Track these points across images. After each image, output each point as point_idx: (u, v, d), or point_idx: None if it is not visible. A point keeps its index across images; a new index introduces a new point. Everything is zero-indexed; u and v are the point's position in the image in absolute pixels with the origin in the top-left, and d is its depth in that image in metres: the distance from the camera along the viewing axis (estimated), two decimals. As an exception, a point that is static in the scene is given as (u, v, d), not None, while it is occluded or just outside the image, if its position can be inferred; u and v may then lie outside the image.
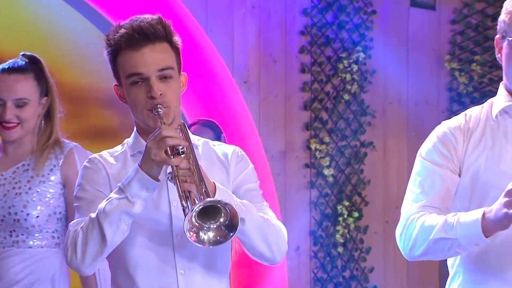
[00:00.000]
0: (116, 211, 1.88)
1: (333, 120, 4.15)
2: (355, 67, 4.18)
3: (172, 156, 1.86)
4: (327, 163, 4.11)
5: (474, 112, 2.11)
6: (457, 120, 2.10)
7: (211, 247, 1.85)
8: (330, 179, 4.12)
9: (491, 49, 4.25)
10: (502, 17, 2.06)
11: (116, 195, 1.90)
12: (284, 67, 4.07)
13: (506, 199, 1.83)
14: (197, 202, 1.82)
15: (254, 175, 2.10)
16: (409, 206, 2.07)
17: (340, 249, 4.13)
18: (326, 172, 4.10)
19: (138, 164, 1.91)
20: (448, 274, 2.14)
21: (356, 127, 4.21)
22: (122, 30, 1.95)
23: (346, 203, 4.14)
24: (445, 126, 2.10)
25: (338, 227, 4.12)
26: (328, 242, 4.12)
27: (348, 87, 4.18)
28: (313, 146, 4.09)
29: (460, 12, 4.40)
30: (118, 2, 3.64)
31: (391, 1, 4.32)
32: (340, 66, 4.16)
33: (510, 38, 2.00)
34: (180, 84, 2.02)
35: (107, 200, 1.92)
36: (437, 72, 4.38)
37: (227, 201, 1.84)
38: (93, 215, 1.92)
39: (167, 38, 1.98)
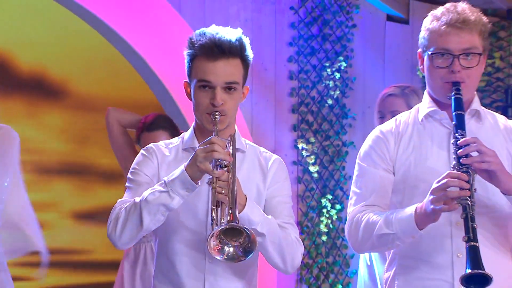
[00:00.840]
0: (156, 202, 1.90)
1: (318, 122, 4.18)
2: (337, 75, 4.21)
3: (215, 168, 1.87)
4: (313, 160, 4.13)
5: (403, 117, 2.14)
6: (389, 125, 2.13)
7: (228, 262, 1.85)
8: (315, 175, 4.15)
9: None
10: (422, 33, 2.08)
11: (159, 188, 1.91)
12: (274, 75, 4.09)
13: (432, 196, 1.89)
14: (223, 221, 1.84)
15: (288, 187, 2.10)
16: (354, 206, 2.09)
17: (324, 238, 4.16)
18: (311, 168, 4.14)
19: (185, 165, 1.91)
20: None
21: (338, 128, 4.24)
22: (204, 39, 1.96)
23: (330, 197, 4.17)
24: (378, 130, 2.13)
25: (322, 218, 4.15)
26: (313, 231, 4.14)
27: (331, 92, 4.21)
28: (300, 146, 4.13)
29: None
30: (128, 19, 3.66)
31: (369, 16, 4.38)
32: (324, 73, 4.19)
33: (430, 52, 2.02)
34: (241, 95, 2.03)
35: (151, 189, 1.93)
36: (410, 80, 4.39)
37: (247, 228, 1.82)
38: (137, 199, 1.94)
39: (241, 54, 2.00)
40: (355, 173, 2.14)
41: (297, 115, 4.16)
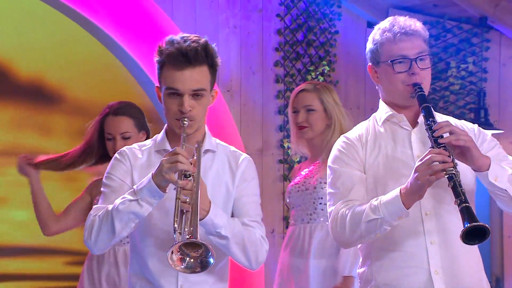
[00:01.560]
0: (127, 210, 1.90)
1: (303, 123, 4.27)
2: (321, 78, 4.19)
3: (179, 178, 1.85)
4: (298, 159, 4.10)
5: (364, 125, 2.19)
6: (353, 133, 2.17)
7: (187, 272, 1.83)
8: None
9: (434, 64, 4.32)
10: (369, 46, 2.13)
11: (129, 197, 1.91)
12: (261, 78, 4.11)
13: (417, 173, 1.91)
14: (183, 234, 1.81)
15: (256, 186, 2.08)
16: (333, 205, 2.09)
17: None
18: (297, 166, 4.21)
19: (152, 174, 1.90)
20: None
21: (322, 129, 4.33)
22: (171, 49, 1.94)
23: None
24: (343, 138, 2.17)
25: None
26: None
27: (315, 95, 4.31)
28: (285, 145, 4.12)
29: None
30: (124, 26, 3.66)
31: (351, 23, 4.41)
32: (309, 77, 4.17)
33: (388, 61, 2.06)
34: (210, 99, 2.02)
35: (121, 199, 1.92)
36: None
37: (205, 243, 1.79)
38: (110, 207, 1.94)
39: (207, 61, 1.96)
40: (329, 177, 2.15)
41: (283, 116, 4.16)
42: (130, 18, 3.69)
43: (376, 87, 2.19)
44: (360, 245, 2.16)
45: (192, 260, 1.82)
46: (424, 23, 4.83)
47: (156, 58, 2.01)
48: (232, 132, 3.96)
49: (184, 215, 1.85)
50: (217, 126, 3.87)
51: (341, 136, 2.20)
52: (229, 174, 2.06)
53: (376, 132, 2.16)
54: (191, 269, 1.84)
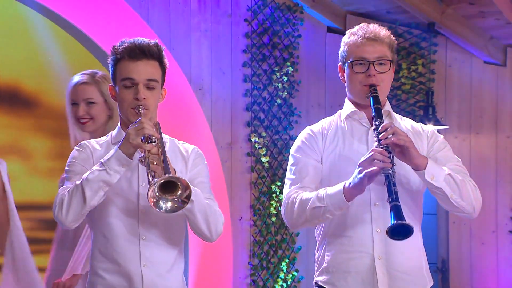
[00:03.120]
0: (97, 179, 1.88)
1: (269, 119, 4.20)
2: (285, 78, 4.22)
3: (145, 143, 1.87)
4: (264, 152, 4.14)
5: (327, 120, 2.23)
6: (317, 126, 2.20)
7: (168, 214, 1.85)
8: (266, 165, 4.17)
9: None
10: (341, 48, 2.18)
11: (97, 167, 1.90)
12: (231, 78, 4.09)
13: (360, 168, 1.96)
14: (159, 177, 1.82)
15: (206, 171, 2.10)
16: (289, 189, 2.13)
17: (273, 219, 4.17)
18: (263, 159, 4.15)
19: (118, 145, 1.91)
20: None
21: (286, 125, 4.26)
22: (126, 44, 1.99)
23: (278, 183, 4.17)
24: (308, 129, 2.20)
25: (272, 202, 4.17)
26: (264, 213, 4.15)
27: (280, 93, 4.22)
28: (253, 139, 4.14)
29: None
30: (102, 27, 3.62)
31: (312, 28, 4.42)
32: (274, 77, 4.20)
33: (349, 61, 2.12)
34: (160, 95, 2.03)
35: (90, 171, 1.91)
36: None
37: (183, 177, 1.84)
38: (77, 182, 1.92)
39: (159, 58, 2.01)
40: (290, 163, 2.19)
41: (251, 113, 4.18)
42: (107, 21, 3.65)
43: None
44: (317, 231, 2.19)
45: (169, 203, 1.83)
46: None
47: (110, 58, 2.02)
48: (204, 128, 3.95)
49: (154, 177, 1.84)
50: (190, 122, 3.87)
51: (307, 127, 2.22)
52: (181, 162, 2.06)
53: (338, 126, 2.18)
54: (173, 210, 1.84)
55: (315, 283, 2.17)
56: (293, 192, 2.12)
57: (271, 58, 4.22)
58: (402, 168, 2.07)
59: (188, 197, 1.84)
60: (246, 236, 4.12)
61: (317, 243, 2.19)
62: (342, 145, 2.14)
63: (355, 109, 2.16)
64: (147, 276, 1.97)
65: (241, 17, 4.15)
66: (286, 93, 4.25)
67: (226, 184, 4.03)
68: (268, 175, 4.20)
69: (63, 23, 3.56)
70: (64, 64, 3.63)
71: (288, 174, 2.17)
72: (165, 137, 2.10)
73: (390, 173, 1.94)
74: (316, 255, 2.18)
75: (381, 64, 2.10)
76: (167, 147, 2.05)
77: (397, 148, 2.00)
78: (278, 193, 4.19)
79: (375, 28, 2.14)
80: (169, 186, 1.83)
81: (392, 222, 1.89)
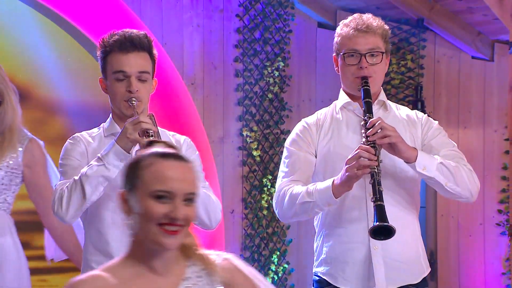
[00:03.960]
0: (96, 174, 1.86)
1: (260, 114, 4.19)
2: (276, 73, 4.21)
3: (143, 137, 1.86)
4: (255, 146, 4.14)
5: (323, 111, 2.21)
6: (312, 118, 2.19)
7: None
8: (258, 159, 4.16)
9: None
10: (335, 40, 2.17)
11: (95, 163, 1.88)
12: (223, 73, 4.09)
13: (347, 166, 1.96)
14: None
15: (199, 160, 2.08)
16: (281, 181, 2.14)
17: (265, 212, 4.17)
18: (254, 153, 4.15)
19: (115, 140, 1.88)
20: None
21: (277, 119, 4.25)
22: (116, 37, 1.96)
23: (270, 177, 4.17)
24: (303, 122, 2.19)
25: (263, 195, 4.16)
26: (255, 206, 4.16)
27: (271, 88, 4.20)
28: (244, 133, 4.13)
29: None
30: (94, 21, 3.59)
31: (303, 23, 4.41)
32: (265, 72, 4.18)
33: (341, 53, 2.11)
34: (152, 86, 2.01)
35: (88, 166, 1.89)
36: (337, 77, 4.49)
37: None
38: (76, 177, 1.89)
39: (149, 49, 1.98)
40: (284, 156, 2.17)
41: (242, 107, 4.16)
42: (100, 16, 3.62)
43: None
44: (315, 221, 2.20)
45: None
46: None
47: (100, 50, 1.98)
48: (196, 122, 3.94)
49: None
50: (182, 116, 3.85)
51: (302, 120, 2.20)
52: None
53: (333, 117, 2.16)
54: None
55: (315, 274, 2.16)
56: (285, 185, 2.10)
57: (262, 53, 4.20)
58: (396, 158, 2.05)
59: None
60: (237, 229, 4.13)
61: (316, 232, 2.19)
62: (337, 136, 2.12)
63: (349, 100, 2.14)
64: None
65: (232, 13, 4.13)
66: (277, 88, 4.23)
67: (218, 178, 4.02)
68: (259, 169, 4.20)
69: (55, 17, 3.51)
70: (54, 58, 3.57)
71: (282, 167, 2.16)
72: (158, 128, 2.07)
73: (375, 171, 1.93)
74: (315, 245, 2.18)
75: (373, 55, 2.08)
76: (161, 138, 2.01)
77: (386, 144, 1.99)
78: (269, 187, 4.19)
79: (367, 19, 2.11)
80: None
81: (374, 223, 1.89)
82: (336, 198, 2.00)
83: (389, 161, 2.05)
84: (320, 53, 4.43)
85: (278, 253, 4.21)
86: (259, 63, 4.19)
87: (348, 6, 4.44)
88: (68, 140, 2.04)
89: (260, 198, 4.17)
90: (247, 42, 4.15)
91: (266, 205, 4.17)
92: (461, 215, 4.41)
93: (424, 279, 2.13)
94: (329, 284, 2.11)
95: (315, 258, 2.18)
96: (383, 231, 1.91)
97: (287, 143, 2.17)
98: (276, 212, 2.15)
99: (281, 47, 4.25)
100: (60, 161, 2.02)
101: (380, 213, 1.89)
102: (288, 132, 4.28)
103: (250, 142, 4.14)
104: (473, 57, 4.61)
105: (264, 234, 4.18)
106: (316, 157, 2.13)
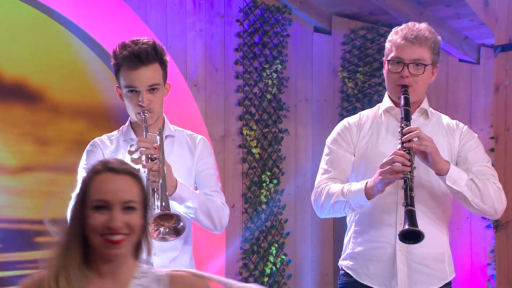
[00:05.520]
0: None
1: (259, 113, 4.20)
2: (274, 75, 4.22)
3: (147, 162, 1.84)
4: (255, 144, 4.14)
5: (366, 112, 2.20)
6: (354, 118, 2.19)
7: (163, 241, 1.83)
8: (257, 156, 4.16)
9: (370, 63, 4.39)
10: (386, 45, 2.13)
11: None
12: (224, 75, 4.10)
13: (380, 170, 1.95)
14: (156, 207, 1.80)
15: (212, 161, 2.09)
16: (320, 178, 2.14)
17: (264, 206, 4.17)
18: (254, 151, 4.14)
19: None
20: (338, 228, 2.25)
21: (275, 118, 4.25)
22: (125, 52, 1.94)
23: (268, 173, 4.18)
24: (345, 121, 2.18)
25: (262, 191, 4.16)
26: (255, 201, 4.15)
27: (270, 89, 4.22)
28: (244, 132, 4.14)
29: (348, 37, 4.46)
30: (104, 27, 3.60)
31: (300, 28, 4.42)
32: (264, 74, 4.20)
33: (387, 59, 2.08)
34: (164, 91, 2.01)
35: None
36: (332, 79, 4.44)
37: (177, 213, 1.80)
38: None
39: (158, 59, 1.96)
40: (324, 153, 2.15)
41: (242, 108, 4.17)
42: (109, 22, 3.64)
43: None
44: (348, 218, 2.17)
45: (167, 229, 1.81)
46: (361, 29, 4.86)
47: (112, 62, 1.98)
48: (198, 121, 3.96)
49: (155, 193, 1.83)
50: (185, 116, 3.86)
51: (344, 119, 2.19)
52: (188, 154, 2.04)
53: (375, 119, 2.15)
54: (165, 238, 1.83)
55: (340, 266, 2.17)
56: (323, 182, 2.09)
57: (261, 56, 4.21)
58: (431, 172, 2.02)
59: (181, 230, 1.80)
60: (238, 223, 4.13)
61: (347, 228, 2.18)
62: (376, 137, 2.10)
63: (392, 104, 2.11)
64: (157, 263, 1.96)
65: (233, 18, 4.16)
66: (275, 89, 4.25)
67: (220, 175, 4.00)
68: (258, 166, 4.19)
69: (66, 23, 3.54)
70: (67, 61, 3.58)
71: (322, 164, 2.14)
72: (174, 128, 2.07)
73: (408, 177, 1.90)
74: (345, 240, 2.17)
75: (417, 65, 2.03)
76: (175, 139, 2.03)
77: (421, 154, 1.96)
78: (268, 183, 4.20)
79: (418, 30, 2.05)
80: (167, 215, 1.81)
81: (405, 227, 1.87)
82: (368, 200, 1.99)
83: (423, 172, 2.02)
84: (316, 56, 4.45)
85: (276, 245, 4.23)
86: (258, 65, 4.22)
87: (342, 12, 4.46)
88: (87, 146, 2.05)
89: (259, 193, 4.18)
90: (247, 45, 4.17)
91: (265, 200, 4.17)
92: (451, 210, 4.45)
93: (447, 284, 2.12)
94: (352, 277, 2.11)
95: (342, 251, 2.17)
96: (412, 235, 1.88)
97: (328, 141, 2.15)
98: (313, 207, 2.13)
99: (279, 51, 4.27)
100: (78, 170, 2.03)
101: (411, 217, 1.86)
102: (286, 130, 4.36)
103: (250, 140, 4.15)
104: (460, 60, 4.65)
105: (263, 228, 4.19)
106: (354, 156, 2.11)
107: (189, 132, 2.11)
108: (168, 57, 2.01)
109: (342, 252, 2.17)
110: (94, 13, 3.59)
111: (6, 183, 3.31)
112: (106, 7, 3.63)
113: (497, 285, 3.75)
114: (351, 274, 2.11)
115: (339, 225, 4.05)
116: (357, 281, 2.10)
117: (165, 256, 1.99)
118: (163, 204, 1.78)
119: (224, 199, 2.06)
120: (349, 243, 2.15)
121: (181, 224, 1.81)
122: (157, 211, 1.79)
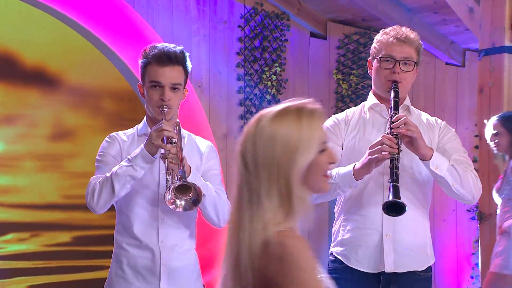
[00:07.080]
0: (124, 174, 1.92)
1: (259, 113, 4.28)
2: (274, 77, 4.25)
3: (166, 143, 1.89)
4: None
5: (352, 109, 2.24)
6: (341, 115, 2.22)
7: (181, 211, 1.90)
8: (257, 153, 4.23)
9: (363, 66, 4.42)
10: (373, 45, 2.16)
11: (125, 163, 1.93)
12: (226, 77, 4.12)
13: (370, 150, 1.98)
14: (175, 180, 1.86)
15: (218, 164, 2.12)
16: None
17: None
18: (254, 148, 4.22)
19: (143, 145, 1.93)
20: (334, 220, 2.21)
21: (274, 118, 4.34)
22: (156, 50, 1.98)
23: None
24: (333, 117, 2.22)
25: None
26: None
27: (269, 90, 4.25)
28: (245, 130, 4.22)
29: (342, 41, 4.49)
30: (115, 32, 3.63)
31: (297, 33, 4.45)
32: (264, 76, 4.23)
33: (379, 57, 2.10)
34: (182, 95, 2.04)
35: (119, 166, 1.94)
36: (328, 81, 4.48)
37: (196, 184, 1.85)
38: (108, 174, 1.95)
39: (183, 63, 2.01)
40: None
41: (244, 107, 4.20)
42: (119, 27, 3.67)
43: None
44: (336, 207, 2.21)
45: (183, 202, 1.86)
46: (355, 34, 4.88)
47: (141, 60, 2.02)
48: (202, 120, 3.98)
49: (172, 173, 1.87)
50: (191, 115, 3.89)
51: (332, 116, 2.21)
52: (197, 156, 2.07)
53: (361, 116, 2.17)
54: (185, 209, 1.87)
55: (331, 253, 2.19)
56: None
57: (261, 60, 4.24)
58: (414, 160, 2.06)
59: (200, 199, 1.85)
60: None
61: (335, 217, 2.20)
62: (362, 132, 2.13)
63: (377, 101, 2.15)
64: (164, 251, 2.01)
65: (235, 24, 4.19)
66: (274, 90, 4.29)
67: (222, 171, 3.98)
68: (258, 162, 4.24)
69: (79, 28, 3.57)
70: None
71: None
72: (184, 132, 2.10)
73: (395, 157, 1.93)
74: (334, 228, 2.19)
75: (406, 64, 2.07)
76: (185, 142, 2.05)
77: (406, 138, 1.98)
78: (267, 178, 4.23)
79: (406, 31, 2.10)
80: (184, 188, 1.87)
81: (389, 199, 1.90)
82: (356, 180, 2.00)
83: (407, 160, 2.04)
84: (313, 60, 4.48)
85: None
86: (259, 68, 4.25)
87: (337, 18, 4.50)
88: (106, 138, 2.08)
89: (259, 188, 4.23)
90: (247, 49, 4.20)
91: (265, 195, 4.22)
92: (437, 203, 4.50)
93: (429, 267, 2.14)
94: (343, 263, 2.13)
95: (332, 239, 2.19)
96: (395, 208, 1.90)
97: None
98: None
99: (278, 54, 4.31)
100: (97, 157, 2.06)
101: (395, 191, 1.89)
102: (284, 129, 4.45)
103: (251, 138, 4.20)
104: (447, 63, 4.70)
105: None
106: (342, 149, 2.13)
107: (198, 137, 2.15)
108: (191, 65, 2.06)
109: (332, 240, 2.19)
110: (107, 19, 3.62)
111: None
112: (117, 13, 3.66)
113: (480, 273, 3.81)
114: (342, 260, 2.14)
115: (334, 218, 4.10)
116: (347, 266, 2.12)
117: (171, 244, 2.02)
118: (181, 177, 1.84)
119: (227, 197, 2.07)
120: (339, 231, 2.16)
121: (198, 194, 1.85)
122: (177, 182, 1.84)
